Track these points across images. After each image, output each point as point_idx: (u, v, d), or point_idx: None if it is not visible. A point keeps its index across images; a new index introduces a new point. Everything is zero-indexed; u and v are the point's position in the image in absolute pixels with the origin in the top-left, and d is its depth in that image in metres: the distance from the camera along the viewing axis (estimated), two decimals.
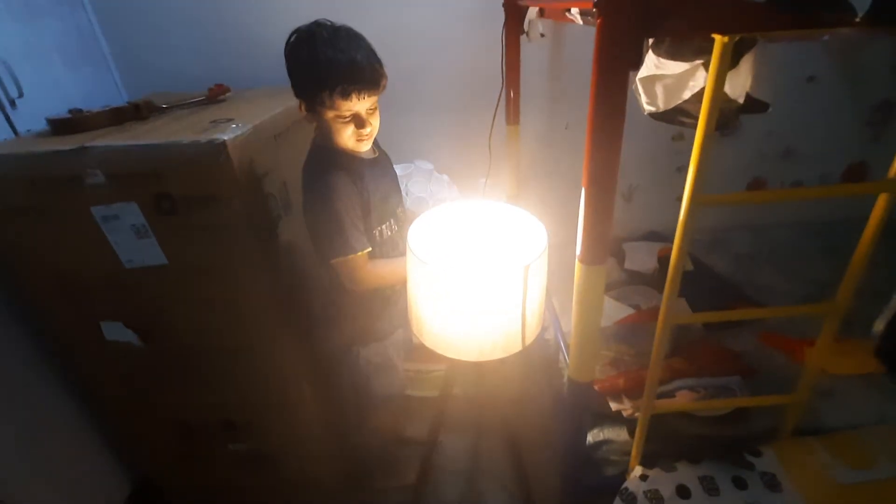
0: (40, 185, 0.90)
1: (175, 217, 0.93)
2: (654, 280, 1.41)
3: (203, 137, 0.86)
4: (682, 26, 0.56)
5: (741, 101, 0.65)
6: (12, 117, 1.10)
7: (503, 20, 1.32)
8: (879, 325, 0.84)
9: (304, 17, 0.89)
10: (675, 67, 0.64)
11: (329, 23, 0.87)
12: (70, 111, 1.01)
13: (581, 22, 0.81)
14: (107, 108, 1.04)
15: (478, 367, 1.15)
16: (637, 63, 0.57)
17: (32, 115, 1.13)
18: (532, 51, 1.40)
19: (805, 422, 0.97)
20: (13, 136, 1.09)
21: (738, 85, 0.64)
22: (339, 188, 0.91)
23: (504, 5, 1.30)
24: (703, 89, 0.63)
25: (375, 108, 0.93)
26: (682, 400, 0.99)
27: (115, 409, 1.24)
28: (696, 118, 0.63)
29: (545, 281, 0.85)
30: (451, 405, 1.25)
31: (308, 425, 1.26)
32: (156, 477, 1.38)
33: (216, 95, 1.22)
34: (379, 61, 0.89)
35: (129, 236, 0.96)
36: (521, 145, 1.53)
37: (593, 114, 0.59)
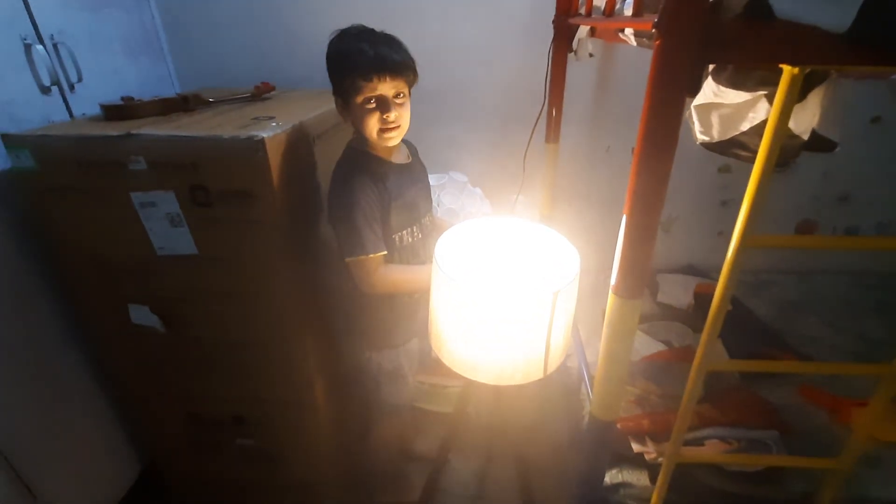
0: (86, 166, 0.93)
1: (209, 209, 0.94)
2: (689, 317, 1.34)
3: (242, 133, 0.87)
4: (748, 55, 0.52)
5: (805, 137, 0.61)
6: (70, 100, 1.15)
7: (551, 37, 1.30)
8: None
9: (355, 22, 0.91)
10: (735, 97, 0.60)
11: (367, 26, 0.92)
12: (122, 98, 1.05)
13: (635, 43, 0.78)
14: (157, 98, 1.07)
15: (495, 389, 1.11)
16: (694, 90, 0.54)
17: (90, 100, 1.18)
18: (578, 70, 1.37)
19: (847, 491, 0.88)
20: (69, 118, 1.14)
21: (804, 120, 0.59)
22: (358, 190, 0.92)
23: (554, 23, 1.28)
24: (763, 122, 0.59)
25: (404, 102, 0.93)
26: (712, 450, 0.92)
27: (131, 391, 1.26)
28: (754, 152, 0.59)
29: (573, 308, 0.81)
30: (464, 424, 1.21)
31: (317, 428, 1.25)
32: (162, 464, 1.39)
33: (261, 93, 1.24)
34: (409, 57, 0.92)
35: (164, 224, 0.97)
36: (558, 165, 1.50)
37: (643, 139, 0.56)
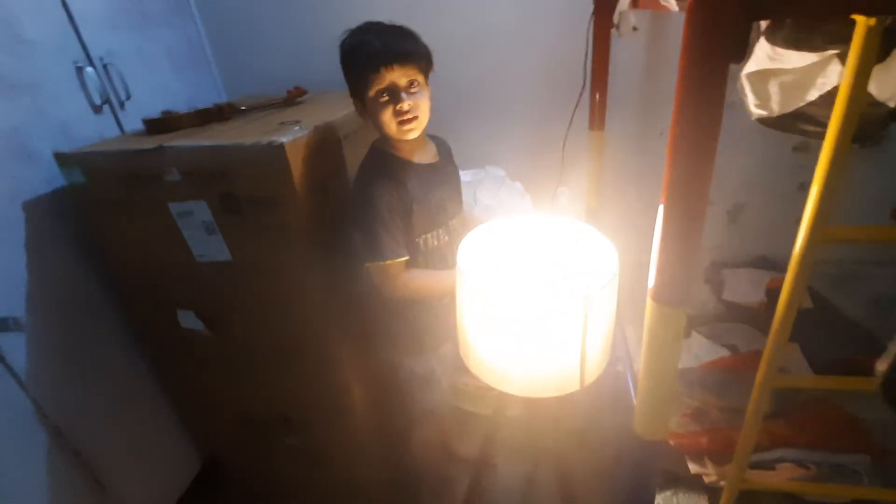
0: (128, 179, 0.98)
1: (239, 216, 0.96)
2: (760, 318, 1.19)
3: (264, 139, 0.86)
4: (810, 5, 0.42)
5: (892, 104, 0.49)
6: (120, 117, 1.22)
7: (590, 13, 1.19)
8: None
9: (387, 18, 0.89)
10: (798, 60, 0.49)
11: (374, 20, 0.89)
12: (162, 112, 1.09)
13: (676, 8, 0.68)
14: (193, 110, 1.10)
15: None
16: (739, 54, 0.44)
17: (140, 115, 1.23)
18: (622, 48, 1.25)
19: None
20: (120, 133, 1.21)
21: (889, 84, 0.48)
22: (377, 194, 0.89)
23: None
24: (836, 88, 0.48)
25: (418, 91, 0.89)
26: (785, 476, 0.80)
27: (186, 391, 1.33)
28: (825, 126, 0.48)
29: (613, 313, 0.73)
30: (509, 427, 1.16)
31: (357, 431, 1.25)
32: (220, 460, 1.46)
33: (293, 98, 1.25)
34: (419, 43, 0.88)
35: (201, 232, 1.00)
36: (605, 154, 1.39)
37: (678, 118, 0.47)
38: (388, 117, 0.88)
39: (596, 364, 0.73)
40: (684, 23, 0.44)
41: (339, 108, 1.13)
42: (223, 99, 1.66)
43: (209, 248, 1.02)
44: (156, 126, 1.06)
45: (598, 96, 1.30)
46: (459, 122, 1.30)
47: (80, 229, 1.11)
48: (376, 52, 0.84)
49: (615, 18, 1.09)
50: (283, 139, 0.86)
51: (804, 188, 1.50)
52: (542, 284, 0.79)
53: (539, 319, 0.68)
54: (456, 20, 1.38)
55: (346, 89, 1.46)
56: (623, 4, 1.05)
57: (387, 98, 0.87)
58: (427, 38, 0.89)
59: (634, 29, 1.08)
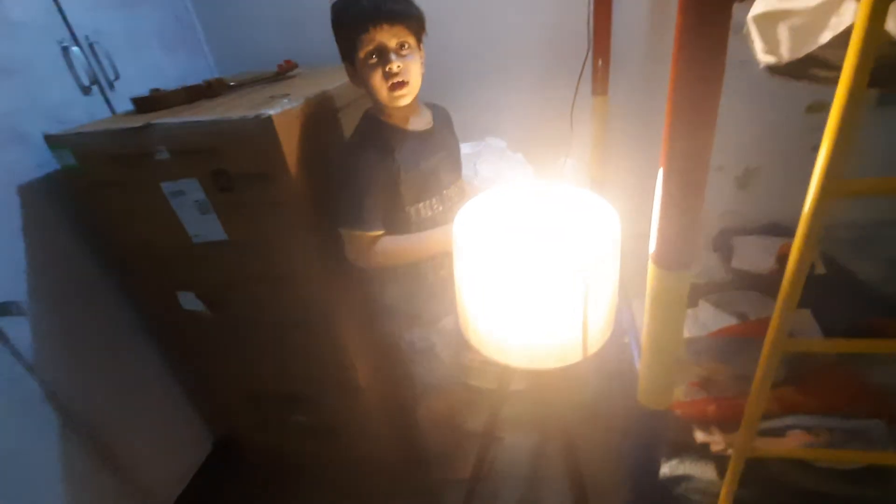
0: (119, 160, 0.96)
1: (232, 194, 0.94)
2: (770, 284, 1.15)
3: (251, 113, 0.84)
4: None
5: None
6: (110, 98, 1.19)
7: None
8: None
9: None
10: None
11: None
12: (151, 90, 1.06)
13: None
14: (182, 87, 1.08)
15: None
16: None
17: (131, 95, 1.22)
18: (626, 5, 1.19)
19: None
20: (111, 114, 1.19)
21: None
22: (362, 164, 0.88)
23: None
24: (851, 28, 0.44)
25: (409, 53, 0.86)
26: (794, 443, 0.78)
27: (193, 372, 1.34)
28: (840, 70, 0.44)
29: (616, 281, 0.70)
30: (516, 401, 1.15)
31: (364, 406, 1.25)
32: (232, 437, 1.48)
33: (285, 72, 1.22)
34: (413, 5, 0.85)
35: (194, 212, 0.99)
36: (610, 120, 1.34)
37: (677, 66, 0.44)
38: (378, 81, 0.85)
39: (599, 334, 0.71)
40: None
41: (331, 81, 1.10)
42: (215, 77, 1.62)
43: (204, 227, 1.00)
44: (144, 104, 1.04)
45: (600, 60, 1.25)
46: (457, 91, 1.26)
47: (77, 212, 1.10)
48: (365, 10, 0.81)
49: None
50: (271, 111, 0.83)
51: (817, 150, 1.45)
52: (540, 254, 0.77)
53: (538, 290, 0.66)
54: None
55: (338, 63, 1.43)
56: None
57: (375, 60, 0.84)
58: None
59: None
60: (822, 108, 1.34)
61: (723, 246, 1.35)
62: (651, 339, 0.61)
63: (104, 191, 1.02)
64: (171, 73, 1.40)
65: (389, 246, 0.93)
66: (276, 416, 1.35)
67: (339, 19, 0.86)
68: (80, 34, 1.11)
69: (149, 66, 1.33)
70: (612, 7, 1.18)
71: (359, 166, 0.89)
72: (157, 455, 1.32)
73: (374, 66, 0.84)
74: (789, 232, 1.40)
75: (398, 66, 0.83)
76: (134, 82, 1.24)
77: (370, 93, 0.89)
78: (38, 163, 1.04)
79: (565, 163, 1.41)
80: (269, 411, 1.35)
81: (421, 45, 0.89)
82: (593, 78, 1.29)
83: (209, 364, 1.29)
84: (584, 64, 1.25)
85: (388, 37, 0.82)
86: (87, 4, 1.14)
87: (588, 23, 1.19)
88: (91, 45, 1.13)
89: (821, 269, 1.18)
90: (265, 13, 1.51)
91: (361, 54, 0.84)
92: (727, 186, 1.46)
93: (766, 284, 1.17)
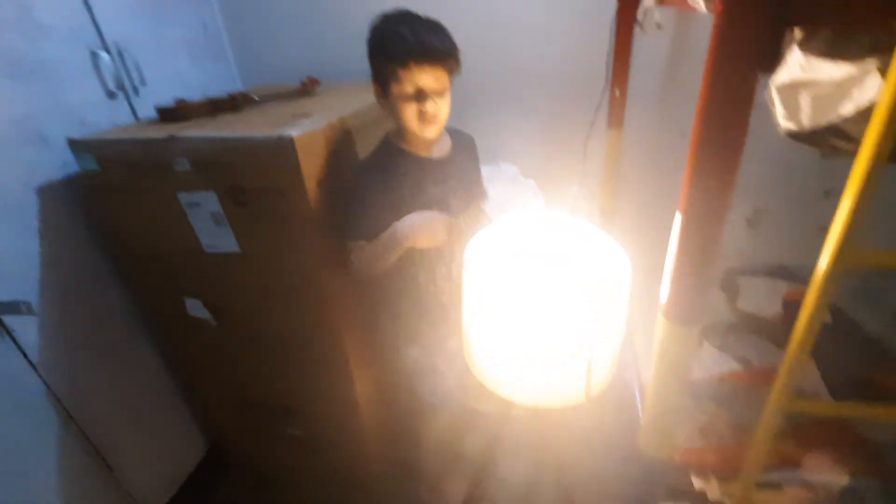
0: (139, 168, 0.98)
1: (247, 208, 0.95)
2: (776, 330, 1.15)
3: (274, 133, 0.85)
4: (853, 11, 0.39)
5: None
6: (135, 104, 1.21)
7: (614, 10, 1.15)
8: None
9: (408, 7, 0.87)
10: (833, 71, 0.46)
11: (411, 11, 0.87)
12: (175, 101, 1.08)
13: (704, 8, 0.65)
14: (206, 100, 1.10)
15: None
16: (771, 64, 0.42)
17: (155, 102, 1.24)
18: (645, 45, 1.21)
19: None
20: (134, 120, 1.21)
21: None
22: (368, 182, 0.92)
23: None
24: (873, 102, 0.45)
25: (443, 92, 0.88)
26: (791, 498, 0.77)
27: (192, 376, 1.34)
28: (859, 143, 0.45)
29: (624, 323, 0.71)
30: (513, 426, 1.15)
31: (360, 423, 1.25)
32: (224, 445, 1.48)
33: (307, 89, 1.24)
34: (453, 44, 0.86)
35: (209, 223, 1.00)
36: (622, 153, 1.35)
37: (700, 129, 0.45)
38: (410, 115, 0.87)
39: (603, 376, 0.71)
40: (713, 27, 0.41)
41: (352, 101, 1.12)
42: (238, 87, 1.65)
43: (218, 238, 1.01)
44: (168, 115, 1.06)
45: (617, 93, 1.27)
46: (473, 114, 1.27)
47: (93, 215, 1.12)
48: (408, 47, 0.82)
49: (639, 15, 1.05)
50: (294, 133, 0.85)
51: (829, 195, 1.46)
52: (550, 294, 0.77)
53: (545, 329, 0.66)
54: (477, 10, 1.35)
55: (360, 80, 1.45)
56: (648, 1, 1.01)
57: (412, 96, 0.85)
58: (452, 28, 0.88)
59: (659, 27, 1.03)
60: (836, 152, 1.35)
61: (729, 286, 1.34)
62: (657, 391, 0.61)
63: (122, 196, 1.03)
64: (195, 81, 1.43)
65: (363, 255, 0.95)
66: (269, 427, 1.35)
67: (380, 48, 0.86)
68: (109, 40, 1.14)
69: (174, 73, 1.35)
70: (633, 41, 1.20)
71: (364, 185, 0.92)
72: (149, 459, 1.32)
73: (409, 102, 0.86)
74: (797, 276, 1.41)
75: (433, 108, 0.86)
76: (159, 89, 1.27)
77: (397, 119, 0.90)
78: (58, 164, 1.05)
79: (575, 192, 1.42)
80: (264, 422, 1.34)
81: (451, 82, 0.90)
82: (609, 110, 1.31)
83: (208, 371, 1.29)
84: (601, 97, 1.27)
85: (429, 78, 0.84)
86: (120, 11, 1.17)
87: (608, 55, 1.21)
88: (120, 52, 1.16)
89: (826, 318, 1.17)
90: (291, 27, 1.54)
91: (397, 88, 0.85)
92: (736, 226, 1.46)
93: (771, 329, 1.17)
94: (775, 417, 0.61)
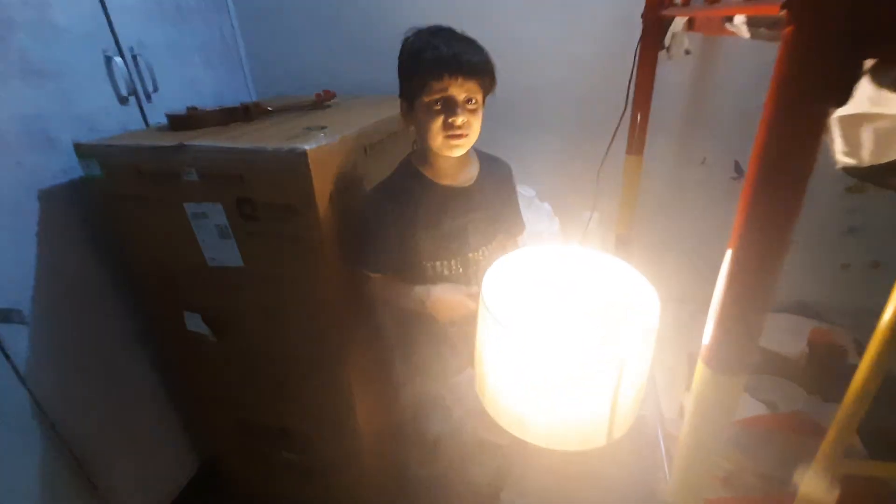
0: (145, 176, 0.94)
1: (254, 222, 0.91)
2: (800, 372, 1.09)
3: (286, 145, 0.82)
4: None
5: None
6: (146, 110, 1.19)
7: (638, 34, 1.13)
8: None
9: (423, 23, 0.83)
10: None
11: (445, 26, 0.83)
12: (187, 108, 1.06)
13: (748, 35, 0.61)
14: (218, 108, 1.07)
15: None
16: (843, 98, 0.38)
17: (168, 108, 1.21)
18: (669, 70, 1.18)
19: None
20: (144, 126, 1.18)
21: None
22: (379, 212, 0.89)
23: (643, 17, 1.11)
24: None
25: (475, 109, 0.82)
26: None
27: (188, 392, 1.29)
28: None
29: (649, 364, 0.66)
30: (523, 458, 1.09)
31: (359, 451, 1.19)
32: (216, 465, 1.42)
33: (322, 101, 1.21)
34: (488, 59, 0.82)
35: (214, 235, 0.96)
36: (641, 180, 1.31)
37: (761, 159, 0.41)
38: (436, 128, 0.81)
39: (625, 418, 0.66)
40: (777, 59, 0.37)
41: (369, 115, 1.09)
42: (252, 97, 1.63)
43: (222, 252, 0.97)
44: (179, 122, 1.03)
45: (639, 119, 1.24)
46: (489, 135, 1.24)
47: (95, 223, 1.08)
48: (443, 58, 0.78)
49: (667, 40, 1.02)
50: (307, 146, 0.81)
51: (854, 232, 1.41)
52: (572, 333, 0.73)
53: (566, 370, 0.61)
54: (497, 31, 1.31)
55: (376, 94, 1.43)
56: (677, 25, 0.98)
57: (440, 108, 0.81)
58: None
59: (687, 52, 1.01)
60: (862, 189, 1.31)
61: None
62: (690, 444, 0.56)
63: (126, 204, 1.00)
64: (208, 89, 1.41)
65: (377, 290, 0.95)
66: (264, 450, 1.29)
67: (413, 60, 0.82)
68: (124, 45, 1.12)
69: (188, 80, 1.33)
70: (656, 67, 1.17)
71: (377, 213, 0.88)
72: (137, 477, 1.26)
73: (437, 113, 0.81)
74: (818, 314, 1.36)
75: (462, 121, 0.80)
76: (171, 95, 1.25)
77: (421, 135, 0.85)
78: (64, 169, 1.02)
79: (591, 218, 1.38)
80: (259, 444, 1.29)
81: (485, 101, 0.86)
82: (629, 137, 1.27)
83: (203, 388, 1.24)
84: (619, 122, 1.23)
85: (460, 89, 0.79)
86: (137, 16, 1.16)
87: (630, 81, 1.18)
88: (134, 57, 1.14)
89: (854, 359, 1.12)
90: (308, 38, 1.53)
91: (426, 98, 0.81)
92: None
93: (794, 370, 1.11)
94: (822, 479, 0.55)
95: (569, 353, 0.59)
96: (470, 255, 0.93)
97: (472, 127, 0.83)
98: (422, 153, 0.90)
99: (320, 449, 1.22)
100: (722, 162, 1.37)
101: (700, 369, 0.51)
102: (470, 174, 0.93)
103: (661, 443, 0.92)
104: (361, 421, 1.13)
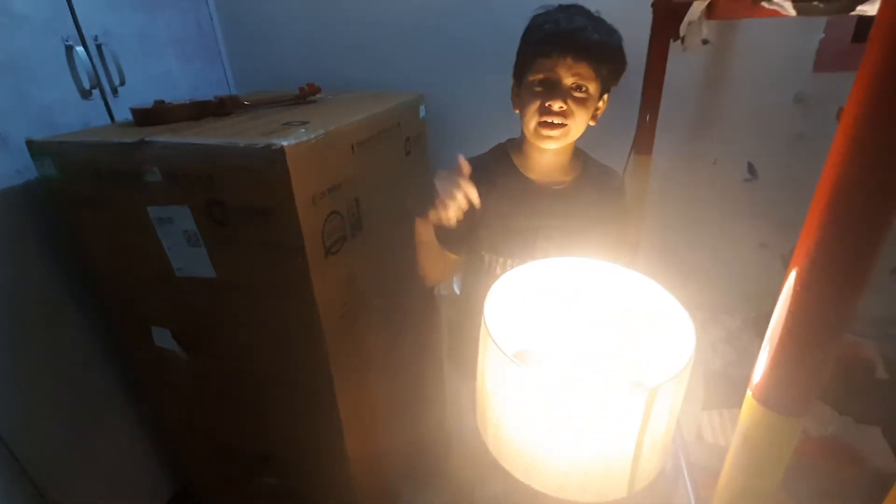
0: (104, 176, 0.84)
1: (226, 227, 0.81)
2: (829, 390, 1.01)
3: (261, 141, 0.72)
4: None
5: None
6: (112, 105, 1.09)
7: (648, 25, 1.04)
8: None
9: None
10: None
11: (581, 5, 0.74)
12: (154, 101, 0.96)
13: (792, 12, 0.53)
14: (190, 102, 0.97)
15: None
16: None
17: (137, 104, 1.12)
18: (680, 64, 1.10)
19: None
20: (109, 122, 1.08)
21: None
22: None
23: (653, 5, 1.03)
24: None
25: (583, 98, 0.72)
26: None
27: (158, 416, 1.18)
28: None
29: (679, 402, 0.56)
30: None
31: (348, 475, 1.09)
32: (192, 491, 1.31)
33: (306, 95, 1.11)
34: (611, 45, 0.72)
35: (181, 243, 0.86)
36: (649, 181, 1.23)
37: (843, 165, 0.32)
38: (532, 110, 0.72)
39: (652, 465, 0.57)
40: (871, 40, 0.29)
41: (355, 111, 0.99)
42: (232, 93, 1.53)
43: (190, 261, 0.87)
44: (145, 117, 0.93)
45: (648, 116, 1.15)
46: (491, 135, 1.15)
47: (51, 228, 0.98)
48: (556, 33, 0.70)
49: (682, 30, 0.93)
50: (284, 142, 0.71)
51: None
52: (593, 368, 0.63)
53: (586, 408, 0.52)
54: (498, 23, 1.23)
55: (363, 90, 1.34)
56: (694, 14, 0.90)
57: (541, 89, 0.71)
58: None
59: (705, 42, 0.92)
60: None
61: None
62: (735, 490, 0.47)
63: (84, 208, 0.89)
64: (183, 84, 1.31)
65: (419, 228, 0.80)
66: (243, 475, 1.19)
67: (529, 33, 0.75)
68: (87, 33, 1.02)
69: (160, 74, 1.23)
70: (667, 64, 1.08)
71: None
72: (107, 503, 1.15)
73: (537, 95, 0.72)
74: (852, 328, 1.27)
75: (560, 107, 0.70)
76: (141, 90, 1.15)
77: (522, 119, 0.77)
78: (18, 169, 0.92)
79: None
80: (237, 468, 1.18)
81: (603, 94, 0.76)
82: (637, 135, 1.19)
83: (175, 411, 1.13)
84: (637, 118, 1.15)
85: (567, 72, 0.70)
86: (101, 2, 1.05)
87: (644, 76, 1.09)
88: (98, 46, 1.04)
89: (882, 374, 1.04)
90: (292, 31, 1.43)
91: (531, 77, 0.72)
92: (773, 265, 1.33)
93: (824, 389, 1.02)
94: None
95: (590, 388, 0.50)
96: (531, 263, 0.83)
97: (573, 118, 0.72)
98: (519, 139, 0.83)
99: (305, 474, 1.12)
100: (734, 162, 1.29)
101: (751, 405, 0.42)
102: (565, 176, 0.83)
103: (689, 488, 0.82)
104: (350, 445, 1.03)
